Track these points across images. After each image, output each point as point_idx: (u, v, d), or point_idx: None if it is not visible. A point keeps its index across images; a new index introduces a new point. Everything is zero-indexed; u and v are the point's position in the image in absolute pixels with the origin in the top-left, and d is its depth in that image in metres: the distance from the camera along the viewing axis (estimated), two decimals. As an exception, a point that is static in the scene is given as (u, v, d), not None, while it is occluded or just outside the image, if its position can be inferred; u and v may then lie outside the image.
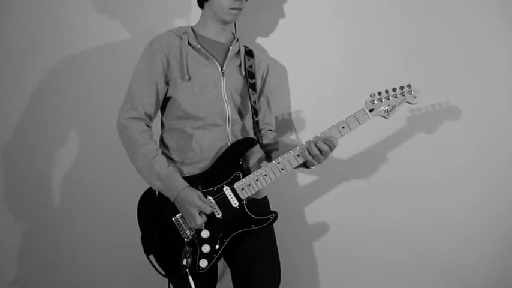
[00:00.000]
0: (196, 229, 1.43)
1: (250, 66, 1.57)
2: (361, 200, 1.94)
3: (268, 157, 1.65)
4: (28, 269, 2.02)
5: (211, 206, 1.42)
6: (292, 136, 1.96)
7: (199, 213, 1.40)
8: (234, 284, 1.54)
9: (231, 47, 1.54)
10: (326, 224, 1.97)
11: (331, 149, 1.42)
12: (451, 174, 1.90)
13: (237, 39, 1.58)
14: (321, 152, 1.41)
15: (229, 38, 1.58)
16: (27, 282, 2.03)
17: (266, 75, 1.65)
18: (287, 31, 1.93)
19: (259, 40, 1.94)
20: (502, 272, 1.91)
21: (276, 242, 1.57)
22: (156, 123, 1.56)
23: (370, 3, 1.89)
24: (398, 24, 1.88)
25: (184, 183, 1.43)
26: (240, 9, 1.49)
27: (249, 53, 1.60)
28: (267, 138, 1.65)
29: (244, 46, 1.60)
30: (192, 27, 1.55)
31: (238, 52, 1.56)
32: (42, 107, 1.98)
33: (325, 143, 1.41)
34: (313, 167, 1.48)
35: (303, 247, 1.98)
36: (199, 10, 1.58)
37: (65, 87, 1.97)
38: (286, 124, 1.96)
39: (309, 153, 1.42)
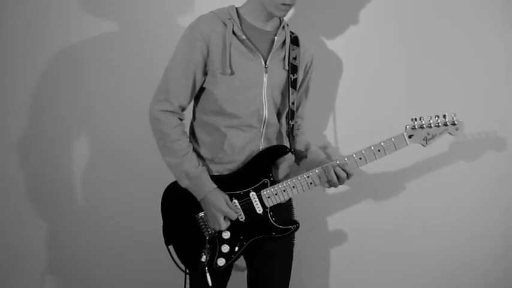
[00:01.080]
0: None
1: (294, 58, 1.48)
2: (362, 200, 1.97)
3: (296, 159, 1.63)
4: (32, 268, 2.04)
5: (237, 212, 1.43)
6: (330, 136, 1.95)
7: (224, 218, 1.42)
8: (248, 281, 1.58)
9: (276, 37, 1.44)
10: (337, 226, 2.00)
11: (348, 176, 1.43)
12: (451, 174, 1.91)
13: (283, 27, 1.47)
14: (338, 178, 1.43)
15: (275, 26, 1.47)
16: (37, 281, 2.06)
17: (309, 67, 1.57)
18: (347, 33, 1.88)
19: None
20: (502, 272, 1.97)
21: (293, 244, 1.60)
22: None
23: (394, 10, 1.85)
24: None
25: (213, 185, 1.42)
26: (291, 5, 1.37)
27: (295, 41, 1.50)
28: (300, 144, 1.62)
29: (290, 32, 1.50)
30: (237, 10, 1.44)
31: (284, 41, 1.47)
32: (50, 106, 1.93)
33: (344, 170, 1.42)
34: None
35: (312, 248, 2.02)
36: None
37: (68, 86, 1.92)
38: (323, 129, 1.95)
39: (327, 177, 1.43)
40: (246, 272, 1.59)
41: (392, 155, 1.83)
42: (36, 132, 1.94)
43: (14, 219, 1.98)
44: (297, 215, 1.56)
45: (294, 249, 1.59)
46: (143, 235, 1.77)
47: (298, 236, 1.58)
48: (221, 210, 1.40)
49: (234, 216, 1.41)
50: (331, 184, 1.45)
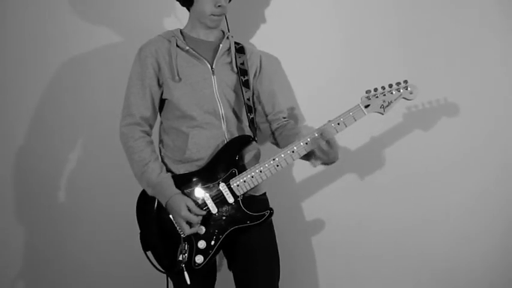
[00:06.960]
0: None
1: (242, 63, 1.59)
2: (360, 197, 1.95)
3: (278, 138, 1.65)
4: (31, 267, 2.06)
5: (199, 215, 1.43)
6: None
7: (187, 223, 1.42)
8: (235, 280, 1.55)
9: (221, 45, 1.56)
10: (324, 220, 1.97)
11: (329, 145, 1.42)
12: (449, 173, 1.90)
13: (227, 37, 1.59)
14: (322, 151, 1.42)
15: (218, 36, 1.61)
16: (30, 281, 2.07)
17: (260, 68, 1.65)
18: (283, 28, 1.94)
19: (254, 37, 1.95)
20: (501, 272, 1.90)
21: (275, 239, 1.57)
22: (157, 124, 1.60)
23: (367, 1, 1.90)
24: (396, 20, 1.90)
25: (173, 192, 1.44)
26: (220, 15, 1.52)
27: (240, 50, 1.61)
28: (290, 130, 1.63)
29: (235, 43, 1.61)
30: (181, 30, 1.59)
31: (229, 49, 1.58)
32: (47, 109, 2.03)
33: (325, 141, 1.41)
34: (317, 163, 1.47)
35: (301, 244, 1.99)
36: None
37: (68, 89, 2.02)
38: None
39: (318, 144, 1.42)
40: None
41: (389, 151, 1.90)
42: (41, 134, 2.02)
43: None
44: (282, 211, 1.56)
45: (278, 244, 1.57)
46: (127, 235, 1.76)
47: (279, 229, 1.55)
48: (180, 215, 1.41)
49: (194, 220, 1.42)
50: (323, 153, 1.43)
